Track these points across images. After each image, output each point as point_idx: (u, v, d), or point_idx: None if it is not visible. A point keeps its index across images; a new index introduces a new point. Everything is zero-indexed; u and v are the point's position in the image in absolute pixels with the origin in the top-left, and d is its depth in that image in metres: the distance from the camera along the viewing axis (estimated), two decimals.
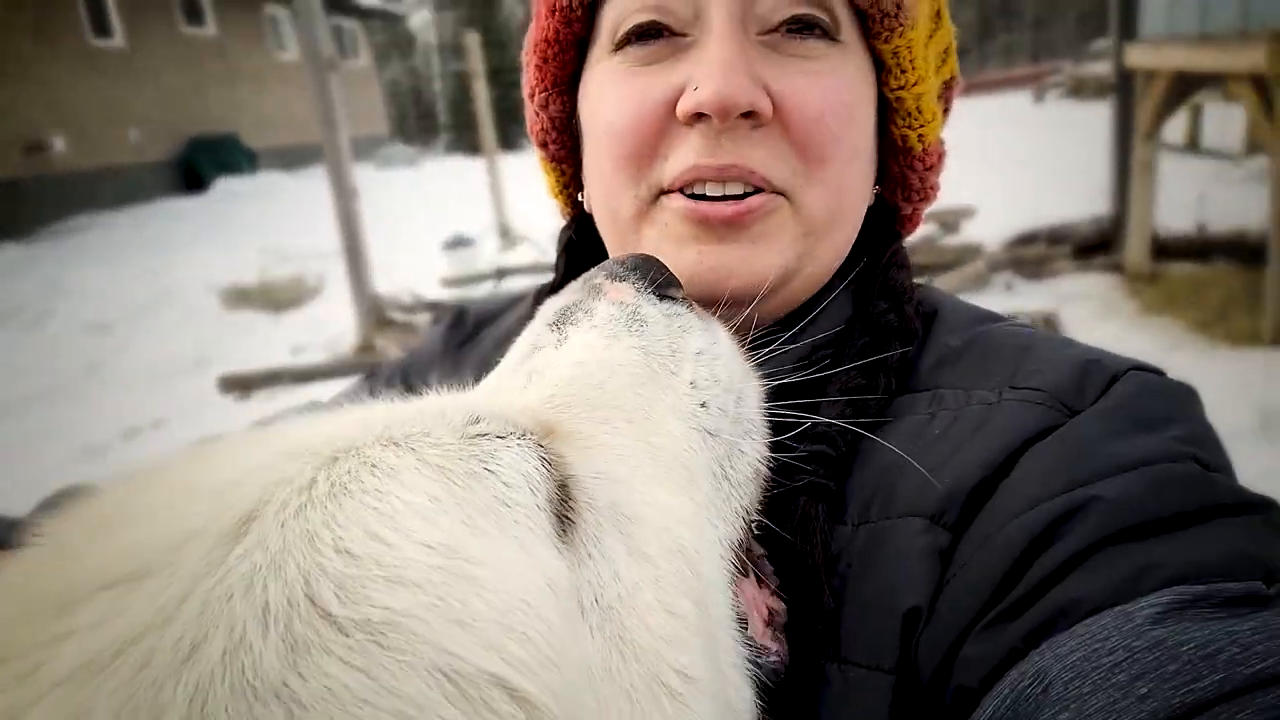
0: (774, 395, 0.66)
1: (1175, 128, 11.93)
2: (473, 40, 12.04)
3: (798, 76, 0.68)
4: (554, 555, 0.43)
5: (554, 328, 0.64)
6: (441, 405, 0.49)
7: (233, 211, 14.50)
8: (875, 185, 0.80)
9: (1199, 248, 7.16)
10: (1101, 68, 15.68)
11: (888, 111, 0.76)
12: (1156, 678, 0.43)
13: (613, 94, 0.72)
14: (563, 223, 0.91)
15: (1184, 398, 0.61)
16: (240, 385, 6.41)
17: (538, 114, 0.83)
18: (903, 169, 0.79)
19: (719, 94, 0.65)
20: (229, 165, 18.08)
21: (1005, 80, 28.91)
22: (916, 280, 0.80)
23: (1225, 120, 11.33)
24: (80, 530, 0.40)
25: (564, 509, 0.46)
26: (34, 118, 14.01)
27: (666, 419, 0.58)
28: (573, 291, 0.66)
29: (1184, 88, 6.69)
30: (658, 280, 0.65)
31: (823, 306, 0.75)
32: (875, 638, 0.58)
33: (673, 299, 0.66)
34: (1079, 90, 21.64)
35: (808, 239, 0.71)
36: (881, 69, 0.73)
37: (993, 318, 0.76)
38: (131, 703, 0.32)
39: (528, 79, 0.82)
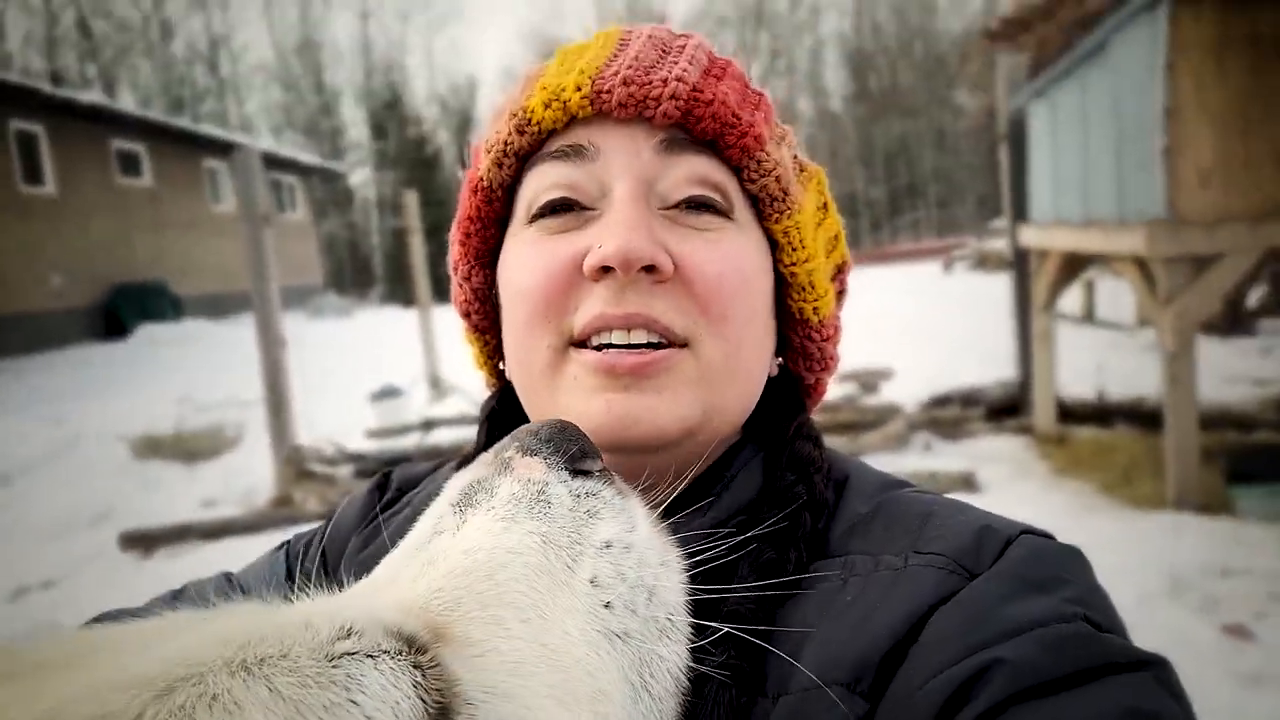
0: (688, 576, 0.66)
1: (1073, 300, 12.83)
2: (411, 199, 12.40)
3: (696, 243, 0.74)
4: None
5: (456, 509, 0.59)
6: (310, 614, 0.43)
7: (152, 358, 14.15)
8: (778, 357, 0.86)
9: (1100, 413, 7.55)
10: (1001, 243, 16.90)
11: (784, 286, 0.82)
12: None
13: (526, 258, 0.77)
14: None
15: (1071, 560, 0.64)
16: (143, 542, 6.05)
17: (461, 286, 0.88)
18: (802, 340, 0.84)
19: (621, 248, 0.70)
20: (153, 312, 17.78)
21: (916, 252, 30.89)
22: (840, 441, 0.84)
23: (1117, 293, 12.25)
24: None
25: None
26: None
27: (564, 620, 0.52)
28: (482, 465, 0.63)
29: (1074, 265, 7.27)
30: (571, 453, 0.62)
31: (734, 476, 0.77)
32: None
33: (587, 473, 0.62)
34: (983, 263, 23.25)
35: (710, 390, 0.74)
36: (776, 248, 0.80)
37: (898, 484, 0.79)
38: None
39: (453, 254, 0.88)
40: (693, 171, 0.75)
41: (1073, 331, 11.27)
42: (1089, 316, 13.42)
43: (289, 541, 0.99)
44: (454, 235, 0.87)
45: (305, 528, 1.02)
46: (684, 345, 0.74)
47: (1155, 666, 0.54)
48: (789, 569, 0.69)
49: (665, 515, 0.73)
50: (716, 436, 0.78)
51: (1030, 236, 7.64)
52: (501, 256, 0.83)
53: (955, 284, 20.85)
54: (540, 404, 0.78)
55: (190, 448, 8.66)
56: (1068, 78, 6.79)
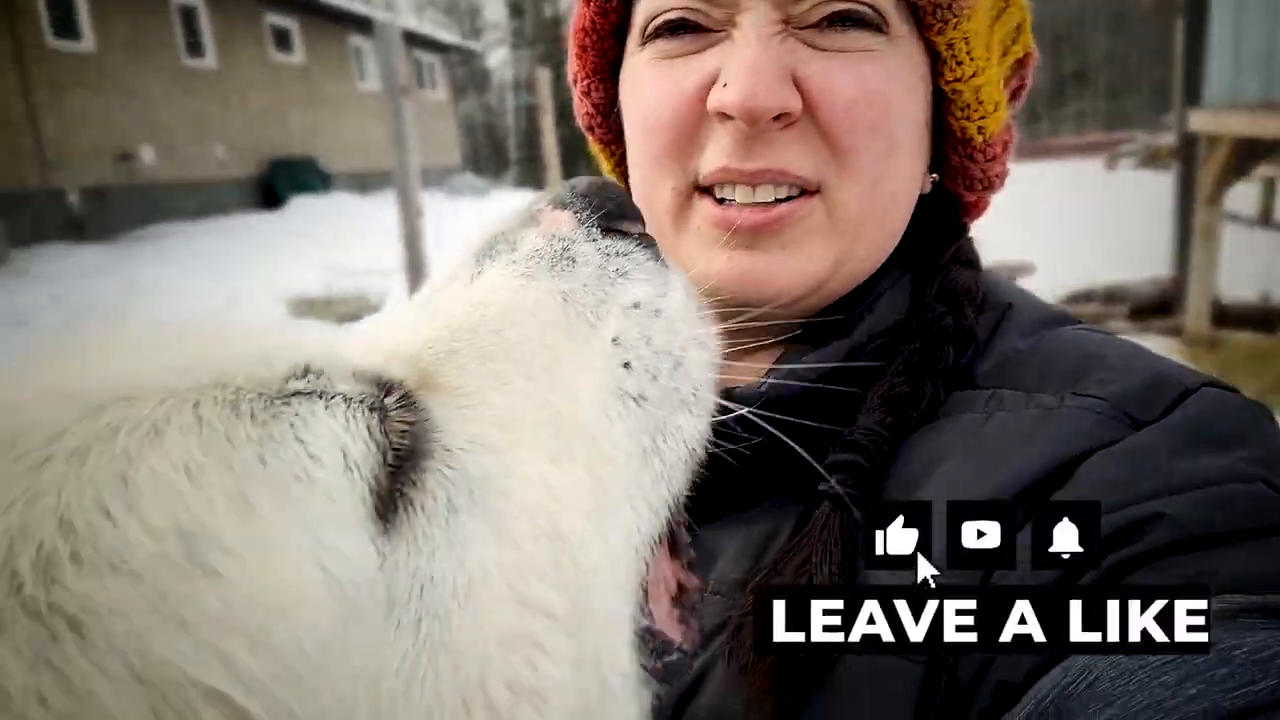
0: (812, 395, 0.65)
1: (1249, 200, 11.69)
2: (544, 76, 12.37)
3: (832, 66, 0.66)
4: (357, 542, 0.38)
5: (476, 259, 0.56)
6: (271, 348, 0.42)
7: (303, 228, 15.01)
8: (934, 174, 0.78)
9: (1262, 317, 6.99)
10: (1173, 137, 15.47)
11: (945, 102, 0.73)
12: (1206, 680, 0.43)
13: (647, 88, 0.72)
14: None
15: (1257, 417, 0.60)
16: None
17: (581, 100, 0.84)
18: (963, 159, 0.76)
19: (744, 101, 0.64)
20: (305, 186, 18.72)
21: (1077, 146, 28.54)
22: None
23: None
24: None
25: (401, 484, 0.40)
26: (126, 129, 14.75)
27: (576, 378, 0.50)
28: (511, 217, 0.60)
29: (1246, 155, 6.60)
30: (607, 209, 0.58)
31: (876, 298, 0.73)
32: None
33: (622, 234, 0.58)
34: (1152, 159, 21.32)
35: (843, 239, 0.70)
36: (937, 60, 0.70)
37: (1064, 319, 0.74)
38: None
39: (570, 66, 0.83)
40: None
41: (1245, 234, 10.31)
42: (1266, 219, 12.22)
43: None
44: (570, 46, 0.83)
45: None
46: (816, 191, 0.69)
47: None
48: (922, 403, 0.66)
49: (799, 340, 0.72)
50: (851, 281, 0.73)
51: (1200, 121, 6.96)
52: (623, 74, 0.78)
53: (1118, 181, 19.30)
54: (664, 245, 0.73)
55: (339, 310, 9.33)
56: None
